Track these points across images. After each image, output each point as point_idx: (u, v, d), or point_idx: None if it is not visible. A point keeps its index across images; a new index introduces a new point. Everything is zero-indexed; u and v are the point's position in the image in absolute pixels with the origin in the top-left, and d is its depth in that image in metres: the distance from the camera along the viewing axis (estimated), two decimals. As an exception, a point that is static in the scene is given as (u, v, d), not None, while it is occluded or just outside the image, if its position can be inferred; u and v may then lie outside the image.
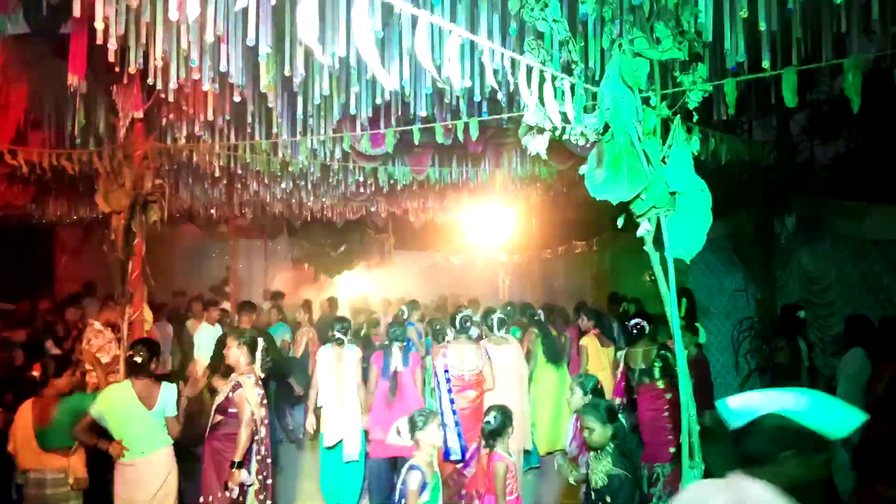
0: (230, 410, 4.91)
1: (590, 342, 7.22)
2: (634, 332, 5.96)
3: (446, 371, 5.84)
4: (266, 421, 5.13)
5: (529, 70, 2.43)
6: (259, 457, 5.02)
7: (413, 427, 4.07)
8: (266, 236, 14.82)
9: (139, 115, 5.18)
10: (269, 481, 5.14)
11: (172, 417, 4.87)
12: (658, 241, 3.55)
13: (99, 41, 3.55)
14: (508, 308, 7.74)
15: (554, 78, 2.54)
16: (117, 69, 4.04)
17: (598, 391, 4.62)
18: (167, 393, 4.82)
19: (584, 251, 12.11)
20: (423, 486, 3.91)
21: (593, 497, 3.84)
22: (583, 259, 12.17)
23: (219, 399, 5.02)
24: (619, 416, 4.06)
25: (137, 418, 4.69)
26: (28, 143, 5.95)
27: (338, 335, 6.43)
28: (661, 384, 5.58)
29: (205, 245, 14.07)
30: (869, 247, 7.33)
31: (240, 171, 7.67)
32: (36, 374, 5.05)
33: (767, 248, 7.97)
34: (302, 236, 14.88)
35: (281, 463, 7.65)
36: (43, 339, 7.54)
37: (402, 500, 3.94)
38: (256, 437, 5.00)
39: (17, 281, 10.39)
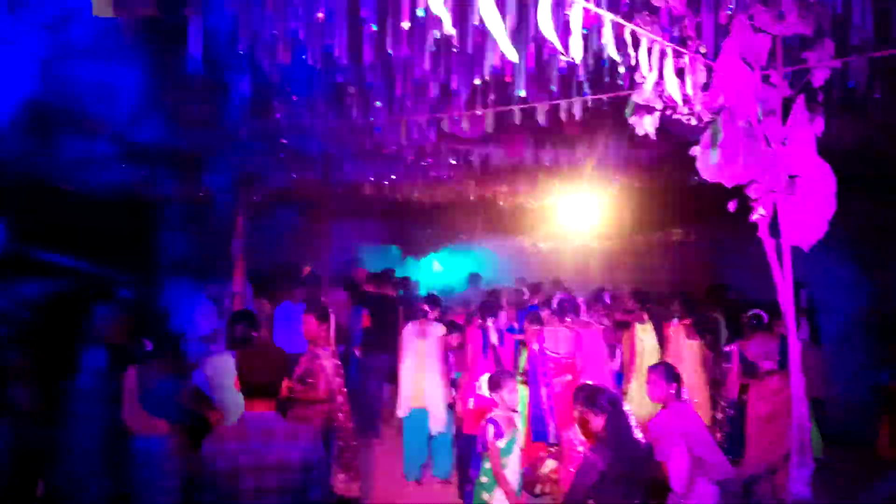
0: (308, 380, 5.11)
1: (674, 331, 6.87)
2: (754, 322, 5.69)
3: (543, 354, 5.87)
4: (343, 390, 5.34)
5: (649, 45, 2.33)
6: (337, 424, 5.22)
7: (492, 385, 4.60)
8: (357, 217, 15.07)
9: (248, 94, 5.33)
10: (354, 443, 5.34)
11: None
12: (774, 228, 3.37)
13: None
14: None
15: (676, 53, 2.43)
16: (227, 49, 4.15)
17: (677, 377, 4.48)
18: (266, 366, 4.97)
19: (680, 238, 11.74)
20: (500, 437, 4.41)
21: None
22: (680, 247, 11.81)
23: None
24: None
25: (235, 389, 4.87)
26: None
27: (425, 308, 6.61)
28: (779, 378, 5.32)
29: (297, 224, 14.42)
30: None
31: (335, 153, 7.79)
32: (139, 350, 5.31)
33: (885, 239, 7.47)
34: (391, 218, 15.06)
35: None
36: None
37: (482, 448, 4.51)
38: (332, 406, 5.19)
39: (122, 255, 10.97)
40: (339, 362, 5.49)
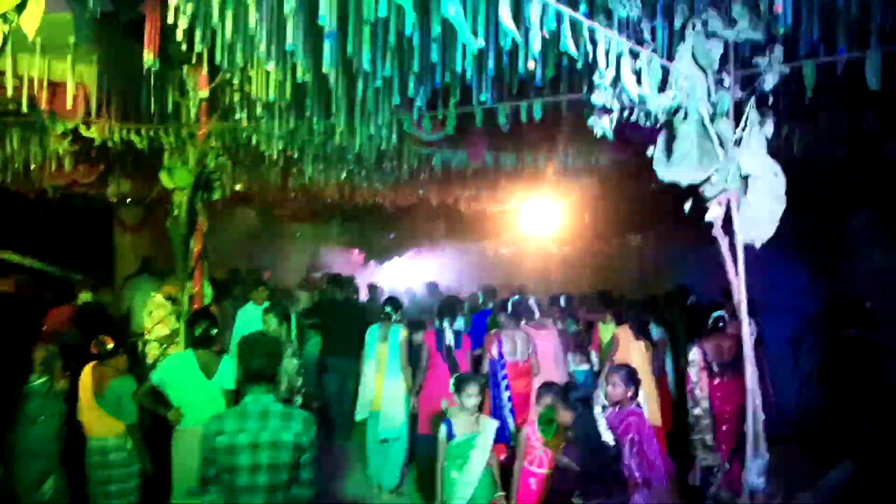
0: None
1: (622, 333, 6.84)
2: (720, 324, 5.79)
3: (501, 358, 5.88)
4: (303, 391, 5.42)
5: (607, 44, 2.39)
6: None
7: (455, 386, 4.64)
8: (318, 220, 14.98)
9: (205, 93, 5.28)
10: None
11: (229, 390, 4.96)
12: (727, 227, 3.45)
13: (170, 20, 3.61)
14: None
15: (633, 53, 2.50)
16: (184, 48, 4.10)
17: (637, 382, 4.57)
18: (226, 365, 4.93)
19: (638, 244, 11.94)
20: (452, 436, 4.48)
21: None
22: (637, 252, 12.01)
23: None
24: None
25: (197, 387, 4.82)
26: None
27: (387, 311, 6.59)
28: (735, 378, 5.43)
29: (257, 227, 14.27)
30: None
31: (296, 155, 7.73)
32: (95, 349, 5.21)
33: (835, 244, 7.69)
34: (353, 221, 15.01)
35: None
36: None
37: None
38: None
39: (76, 258, 10.70)
40: (300, 364, 5.47)
